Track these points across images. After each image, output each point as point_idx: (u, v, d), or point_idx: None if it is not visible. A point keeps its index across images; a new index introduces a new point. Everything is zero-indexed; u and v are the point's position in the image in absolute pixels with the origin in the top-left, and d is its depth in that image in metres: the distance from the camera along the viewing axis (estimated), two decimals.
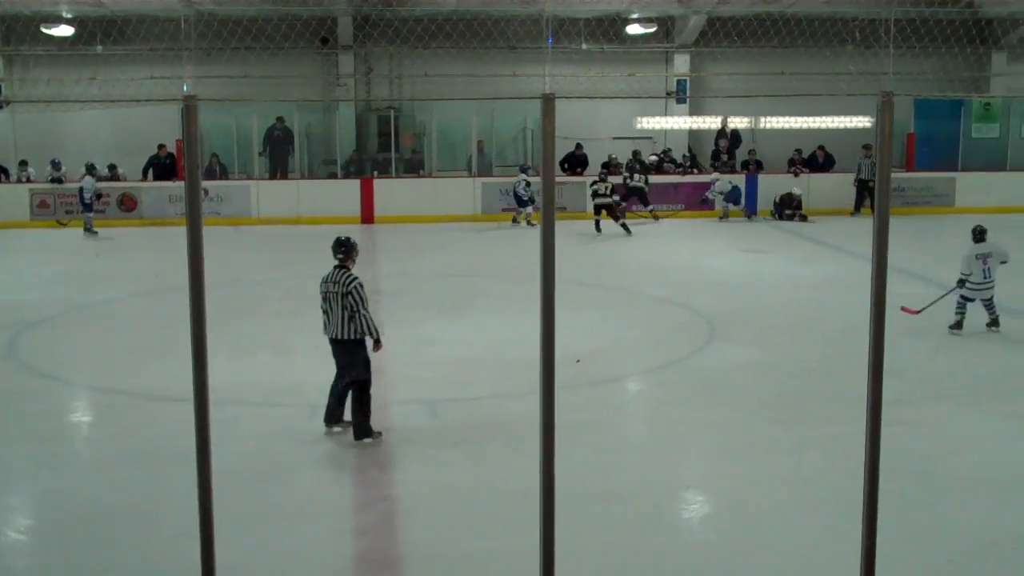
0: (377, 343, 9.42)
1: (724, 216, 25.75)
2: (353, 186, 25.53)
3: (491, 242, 22.66)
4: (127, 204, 24.99)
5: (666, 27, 28.39)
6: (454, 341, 13.40)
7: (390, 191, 25.53)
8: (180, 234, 4.22)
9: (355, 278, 9.37)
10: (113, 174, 25.69)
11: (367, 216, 24.93)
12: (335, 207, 24.72)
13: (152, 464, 9.07)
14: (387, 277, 17.99)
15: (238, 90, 24.11)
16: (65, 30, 26.32)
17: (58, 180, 24.97)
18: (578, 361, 11.72)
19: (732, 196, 25.77)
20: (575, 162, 27.02)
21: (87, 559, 7.34)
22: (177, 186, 24.35)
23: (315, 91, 27.37)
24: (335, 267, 9.50)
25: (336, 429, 9.64)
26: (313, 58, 27.35)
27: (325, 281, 9.49)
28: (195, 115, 4.12)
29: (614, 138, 27.57)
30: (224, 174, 26.26)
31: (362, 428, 9.46)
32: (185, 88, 23.82)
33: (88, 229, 23.20)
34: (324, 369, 9.67)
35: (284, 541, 7.53)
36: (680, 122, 28.58)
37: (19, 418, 10.60)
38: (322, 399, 9.68)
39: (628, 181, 24.99)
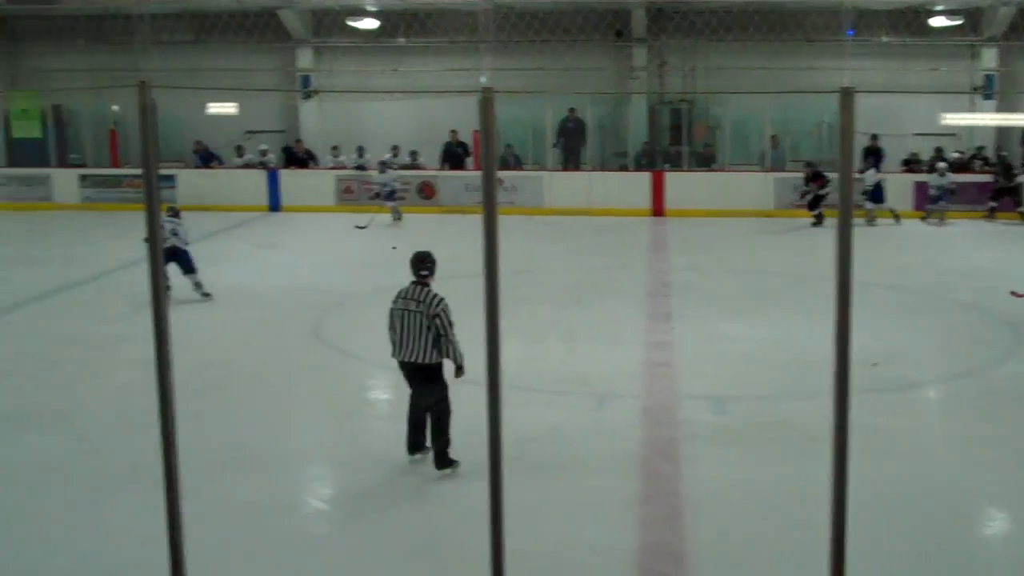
0: (459, 370, 8.42)
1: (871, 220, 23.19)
2: (644, 179, 25.49)
3: (784, 239, 22.14)
4: (426, 192, 25.81)
5: (973, 19, 26.96)
6: (744, 338, 13.16)
7: (681, 184, 25.34)
8: (475, 222, 4.27)
9: (442, 298, 8.49)
10: (414, 162, 26.58)
11: (657, 209, 24.85)
12: (625, 199, 24.74)
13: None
14: (676, 271, 17.89)
15: (533, 82, 24.51)
16: (370, 23, 27.44)
17: (362, 167, 26.07)
18: (875, 365, 11.30)
19: (874, 195, 23.47)
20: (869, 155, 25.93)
21: (375, 532, 7.61)
22: (474, 176, 24.99)
23: (608, 83, 27.50)
24: (413, 283, 8.61)
25: (417, 456, 8.81)
26: (607, 50, 27.48)
27: (402, 297, 8.59)
28: (492, 107, 4.15)
29: (915, 134, 26.42)
30: (518, 164, 26.75)
31: (443, 457, 8.59)
32: (483, 80, 24.48)
33: (396, 219, 23.95)
34: (611, 359, 9.67)
35: (569, 530, 7.58)
36: (988, 119, 27.07)
37: (321, 393, 11.13)
38: (610, 388, 9.69)
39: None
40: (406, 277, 8.70)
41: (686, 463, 8.97)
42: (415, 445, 8.80)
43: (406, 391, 8.78)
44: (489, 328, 4.19)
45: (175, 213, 15.27)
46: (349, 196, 25.86)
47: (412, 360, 8.48)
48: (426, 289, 8.57)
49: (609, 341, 12.94)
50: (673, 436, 9.54)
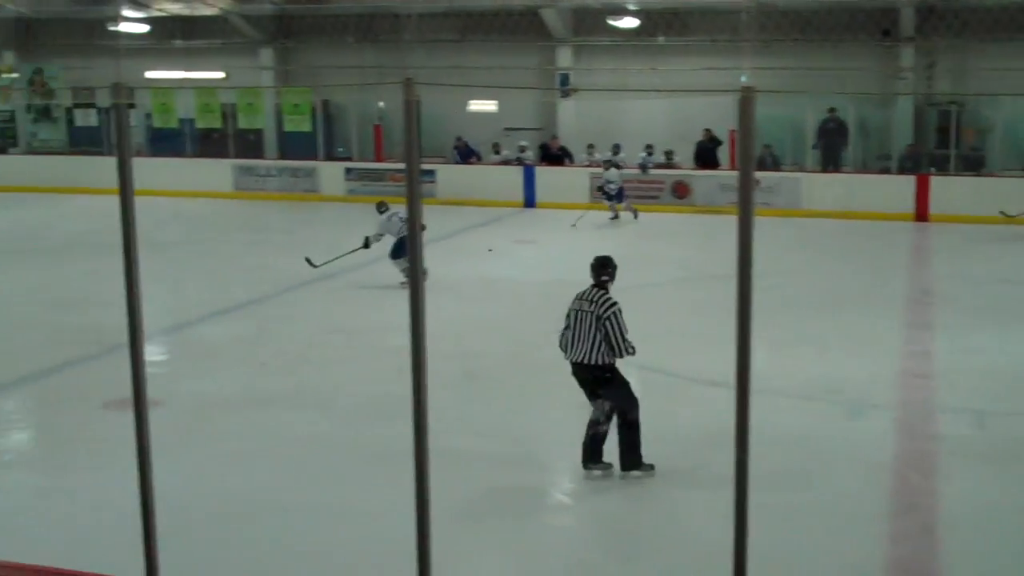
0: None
1: None
2: (907, 182, 24.58)
3: None
4: (679, 191, 25.68)
5: None
6: (1009, 352, 12.56)
7: (947, 188, 24.32)
8: (729, 223, 4.23)
9: (615, 303, 8.51)
10: (669, 161, 26.49)
11: (921, 213, 23.94)
12: (887, 203, 23.94)
13: (683, 444, 9.29)
14: (940, 279, 17.23)
15: (794, 81, 24.01)
16: (630, 22, 27.47)
17: (616, 165, 26.15)
18: None
19: None
20: None
21: (616, 526, 7.64)
22: (729, 175, 24.70)
23: (873, 83, 26.69)
24: (593, 286, 8.68)
25: (596, 472, 8.59)
26: (872, 50, 26.65)
27: (578, 298, 8.67)
28: (751, 106, 4.10)
29: None
30: (776, 165, 26.28)
31: (633, 460, 8.50)
32: (743, 79, 24.12)
33: (617, 215, 23.91)
34: (865, 367, 9.42)
35: (815, 539, 7.43)
36: None
37: (570, 389, 11.23)
38: (862, 397, 9.44)
39: None
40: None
41: (941, 478, 8.65)
42: (593, 456, 8.61)
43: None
44: (740, 332, 4.15)
45: (387, 206, 16.57)
46: (602, 194, 25.98)
47: (579, 360, 8.49)
48: (602, 292, 8.60)
49: (863, 349, 12.57)
50: (927, 449, 9.22)
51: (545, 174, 26.53)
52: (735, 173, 4.38)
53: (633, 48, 27.81)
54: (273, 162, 28.97)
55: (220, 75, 29.86)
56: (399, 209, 15.93)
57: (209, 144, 29.70)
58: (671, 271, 17.76)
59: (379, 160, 28.53)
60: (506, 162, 27.43)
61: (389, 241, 16.27)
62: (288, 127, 27.32)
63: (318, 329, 13.92)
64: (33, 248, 20.59)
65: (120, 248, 4.83)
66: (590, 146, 27.24)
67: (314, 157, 28.59)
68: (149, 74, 29.44)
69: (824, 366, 11.89)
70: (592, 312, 8.46)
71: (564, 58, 29.00)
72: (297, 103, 27.11)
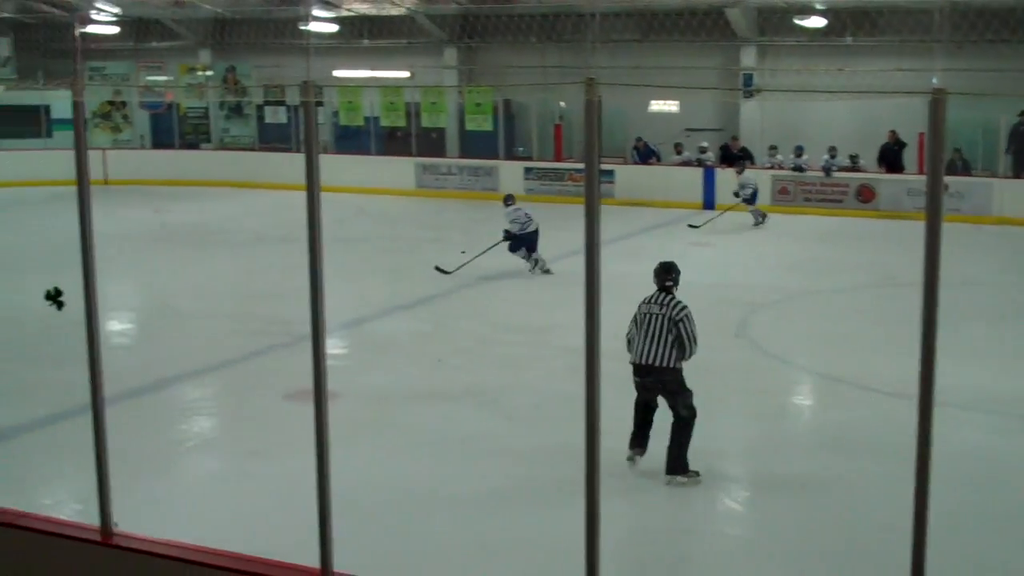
0: None
1: None
2: None
3: None
4: (864, 195, 25.06)
5: None
6: None
7: None
8: (915, 228, 4.11)
9: (686, 305, 8.64)
10: (855, 165, 25.89)
11: None
12: None
13: (851, 452, 9.10)
14: None
15: (986, 83, 23.15)
16: (817, 21, 26.90)
17: (799, 168, 25.67)
18: None
19: None
20: None
21: (789, 533, 7.51)
22: (917, 180, 23.99)
23: None
24: (659, 291, 8.75)
25: (638, 457, 8.67)
26: None
27: (647, 302, 8.71)
28: (942, 109, 3.98)
29: None
30: (966, 170, 25.39)
31: (678, 463, 8.48)
32: (934, 81, 23.35)
33: (757, 223, 23.39)
34: None
35: (993, 548, 7.21)
36: None
37: (741, 392, 11.09)
38: None
39: None
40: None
41: None
42: (640, 440, 8.72)
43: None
44: (925, 341, 4.03)
45: (514, 200, 17.64)
46: (784, 197, 25.54)
47: (649, 362, 8.49)
48: (671, 296, 8.71)
49: None
50: None
51: (726, 176, 26.22)
52: (922, 177, 4.25)
53: (820, 48, 27.24)
54: (454, 160, 29.36)
55: (405, 74, 30.41)
56: (523, 204, 17.33)
57: (393, 142, 30.28)
58: (854, 277, 17.32)
59: (558, 159, 28.63)
60: (686, 163, 27.21)
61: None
62: (470, 126, 27.63)
63: (495, 326, 14.06)
64: (223, 240, 21.34)
65: (305, 242, 4.96)
66: (772, 147, 26.79)
67: (494, 156, 28.85)
68: (337, 73, 30.18)
69: (1013, 379, 11.45)
70: (664, 315, 8.57)
71: (748, 58, 28.60)
72: (479, 102, 27.41)
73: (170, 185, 29.65)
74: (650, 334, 8.55)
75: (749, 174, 23.52)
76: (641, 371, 8.61)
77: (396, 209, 26.04)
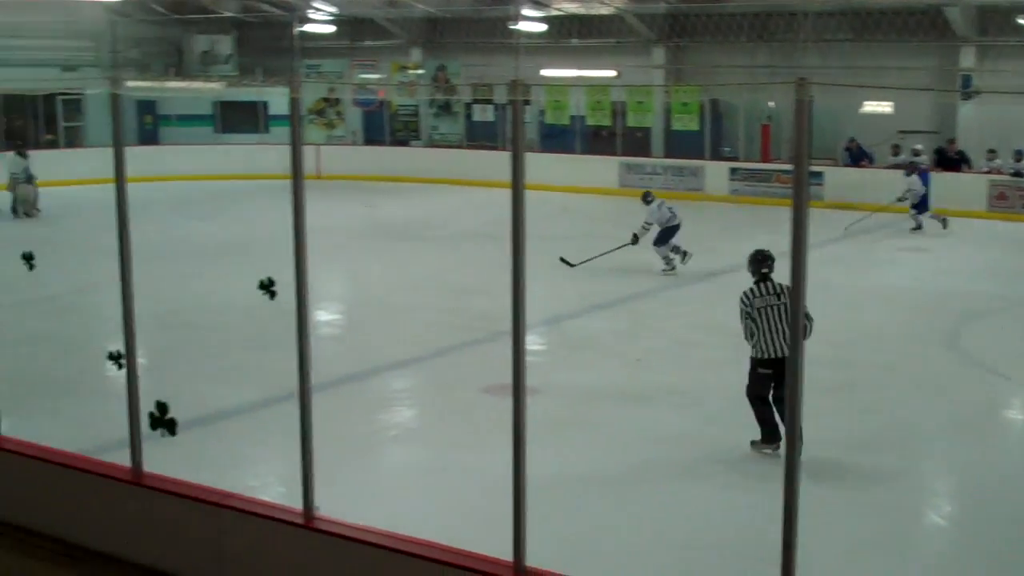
0: None
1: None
2: None
3: None
4: None
5: None
6: None
7: None
8: None
9: None
10: None
11: None
12: None
13: None
14: None
15: None
16: None
17: (1019, 173, 24.60)
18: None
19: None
20: None
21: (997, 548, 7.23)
22: None
23: None
24: (759, 282, 8.83)
25: (779, 449, 8.59)
26: None
27: (759, 296, 8.74)
28: None
29: None
30: None
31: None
32: None
33: (920, 226, 22.38)
34: None
35: None
36: None
37: (948, 403, 10.72)
38: None
39: None
40: None
41: None
42: (777, 433, 8.69)
43: None
44: None
45: (653, 196, 17.74)
46: (1002, 203, 24.51)
47: (785, 354, 8.43)
48: (777, 282, 8.74)
49: None
50: None
51: (940, 179, 25.31)
52: None
53: None
54: (659, 160, 29.19)
55: (612, 73, 30.39)
56: (664, 200, 17.52)
57: (597, 141, 30.29)
58: None
59: (765, 160, 28.15)
60: (898, 166, 26.37)
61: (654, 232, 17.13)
62: (675, 125, 27.42)
63: (694, 327, 13.92)
64: (430, 236, 21.75)
65: (509, 239, 5.01)
66: (991, 151, 25.72)
67: (700, 156, 28.56)
68: (544, 72, 30.38)
69: None
70: (783, 303, 8.61)
71: (967, 59, 27.50)
72: (686, 102, 27.18)
73: (380, 181, 30.40)
74: (777, 325, 8.62)
75: (915, 179, 22.53)
76: (776, 363, 8.61)
77: (599, 208, 26.05)
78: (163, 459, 7.15)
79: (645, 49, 30.57)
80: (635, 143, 29.78)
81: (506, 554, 5.45)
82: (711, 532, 7.62)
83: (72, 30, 30.93)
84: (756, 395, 8.86)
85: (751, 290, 8.86)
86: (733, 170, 27.68)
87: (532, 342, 12.30)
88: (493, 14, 30.67)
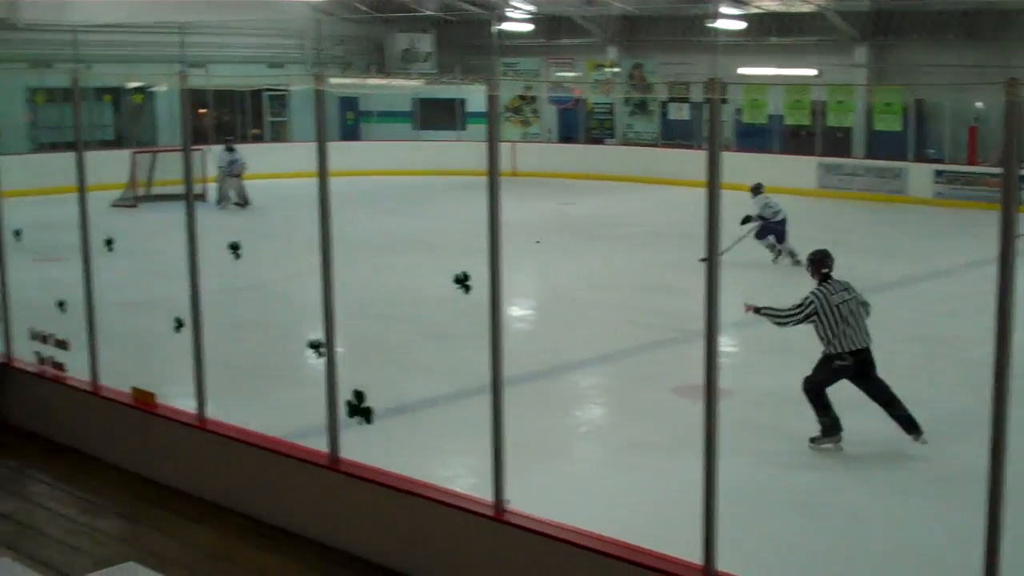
0: None
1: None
2: None
3: None
4: None
5: None
6: None
7: None
8: None
9: None
10: None
11: None
12: None
13: None
14: None
15: None
16: None
17: None
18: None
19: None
20: None
21: None
22: None
23: None
24: (824, 281, 9.07)
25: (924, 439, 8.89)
26: None
27: (834, 292, 8.96)
28: None
29: None
30: None
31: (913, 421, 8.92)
32: None
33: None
34: None
35: None
36: None
37: None
38: None
39: None
40: None
41: None
42: (914, 424, 8.96)
43: None
44: None
45: (763, 189, 17.75)
46: None
47: (867, 345, 8.92)
48: (842, 280, 9.10)
49: None
50: None
51: None
52: None
53: None
54: (860, 161, 28.45)
55: (812, 72, 29.78)
56: (772, 196, 17.68)
57: (795, 141, 29.73)
58: None
59: (972, 163, 27.16)
60: None
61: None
62: (877, 126, 26.71)
63: (897, 336, 13.49)
64: (623, 234, 21.71)
65: (703, 238, 4.97)
66: None
67: (903, 158, 27.73)
68: (742, 70, 29.98)
69: None
70: (853, 297, 8.98)
71: None
72: (889, 102, 26.45)
73: (574, 179, 30.51)
74: (857, 320, 8.92)
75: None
76: (862, 353, 8.92)
77: (796, 209, 25.49)
78: (358, 446, 7.32)
79: (847, 47, 29.82)
80: (835, 143, 29.10)
81: (694, 556, 5.41)
82: (911, 552, 7.38)
83: (279, 28, 32.01)
84: (820, 388, 9.11)
85: (821, 289, 9.07)
86: (938, 172, 26.77)
87: (724, 343, 12.14)
88: (691, 12, 30.43)
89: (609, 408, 11.14)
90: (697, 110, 30.63)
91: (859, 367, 8.96)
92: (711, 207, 5.22)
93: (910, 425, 8.95)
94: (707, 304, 5.26)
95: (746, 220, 17.17)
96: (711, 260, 5.22)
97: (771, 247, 17.51)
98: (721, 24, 29.42)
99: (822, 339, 9.05)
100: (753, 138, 29.65)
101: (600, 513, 7.34)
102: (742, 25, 30.15)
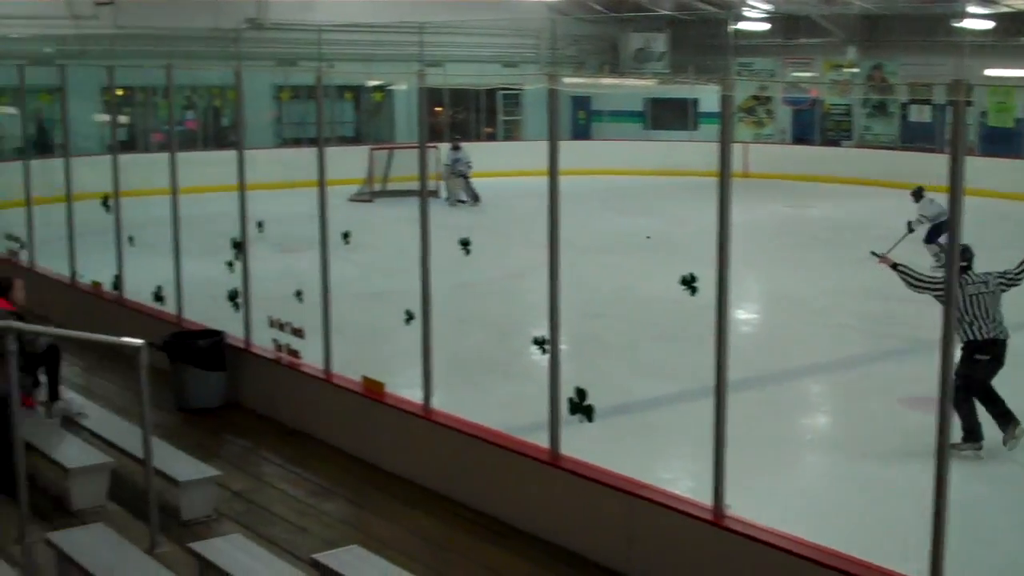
0: None
1: None
2: None
3: None
4: None
5: None
6: None
7: None
8: None
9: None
10: None
11: None
12: None
13: None
14: None
15: None
16: None
17: None
18: None
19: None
20: None
21: None
22: None
23: None
24: (966, 272, 8.80)
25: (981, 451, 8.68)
26: None
27: (969, 284, 8.76)
28: None
29: None
30: None
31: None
32: None
33: None
34: None
35: None
36: None
37: None
38: None
39: None
40: None
41: None
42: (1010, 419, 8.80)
43: None
44: None
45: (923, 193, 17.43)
46: None
47: (1003, 336, 8.74)
48: (981, 274, 8.86)
49: None
50: None
51: None
52: None
53: None
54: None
55: None
56: (936, 195, 16.64)
57: None
58: None
59: None
60: None
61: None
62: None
63: None
64: (856, 239, 21.08)
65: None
66: None
67: None
68: (989, 71, 28.74)
69: None
70: (989, 290, 8.76)
71: None
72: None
73: (808, 181, 29.85)
74: (991, 311, 8.75)
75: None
76: (999, 345, 8.77)
77: None
78: (578, 443, 7.37)
79: None
80: None
81: (921, 574, 5.24)
82: None
83: (515, 28, 32.42)
84: (973, 386, 8.75)
85: (960, 278, 8.70)
86: None
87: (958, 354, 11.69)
88: (935, 11, 29.37)
89: (835, 416, 10.89)
90: (940, 112, 29.56)
91: (994, 362, 8.84)
92: (953, 213, 5.04)
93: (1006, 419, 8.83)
94: (944, 315, 5.10)
95: (910, 227, 17.05)
96: (950, 267, 5.03)
97: (937, 254, 16.89)
98: (968, 24, 28.30)
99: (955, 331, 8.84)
100: (999, 143, 28.41)
101: (822, 524, 7.18)
102: (990, 25, 28.91)
